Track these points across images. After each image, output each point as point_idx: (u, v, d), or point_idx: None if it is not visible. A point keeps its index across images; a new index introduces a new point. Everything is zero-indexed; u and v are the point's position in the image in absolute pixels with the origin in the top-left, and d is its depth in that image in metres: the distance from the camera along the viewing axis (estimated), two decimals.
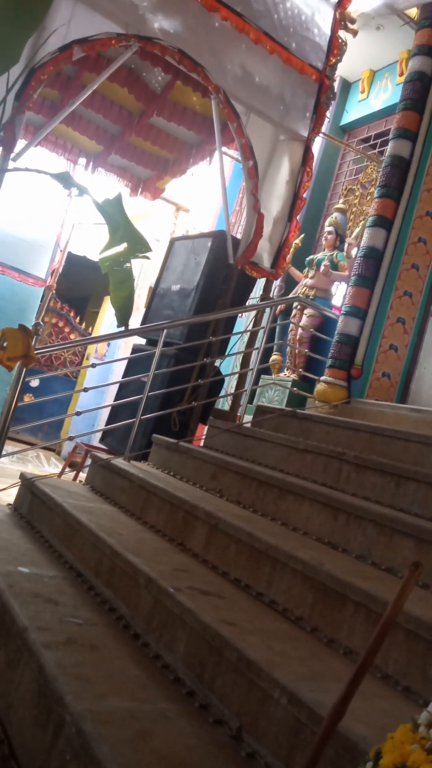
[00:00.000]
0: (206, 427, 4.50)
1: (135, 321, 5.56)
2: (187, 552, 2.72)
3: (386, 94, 6.83)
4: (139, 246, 4.77)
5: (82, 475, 4.19)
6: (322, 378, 4.75)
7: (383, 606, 1.85)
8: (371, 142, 7.04)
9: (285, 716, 1.55)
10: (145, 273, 8.48)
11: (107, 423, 4.67)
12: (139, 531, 2.94)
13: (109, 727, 1.51)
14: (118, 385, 4.87)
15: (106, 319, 9.63)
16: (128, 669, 1.90)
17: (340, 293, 6.10)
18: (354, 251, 5.89)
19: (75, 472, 5.59)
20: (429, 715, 0.94)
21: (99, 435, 5.04)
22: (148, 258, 4.59)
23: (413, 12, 6.01)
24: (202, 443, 4.35)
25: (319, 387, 4.74)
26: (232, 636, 1.81)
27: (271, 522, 2.90)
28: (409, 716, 1.14)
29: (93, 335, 9.49)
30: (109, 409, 4.85)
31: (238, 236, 5.04)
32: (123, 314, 4.95)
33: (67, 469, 5.89)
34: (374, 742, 1.11)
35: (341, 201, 6.72)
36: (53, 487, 3.38)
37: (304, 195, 5.09)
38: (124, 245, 4.42)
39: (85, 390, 4.02)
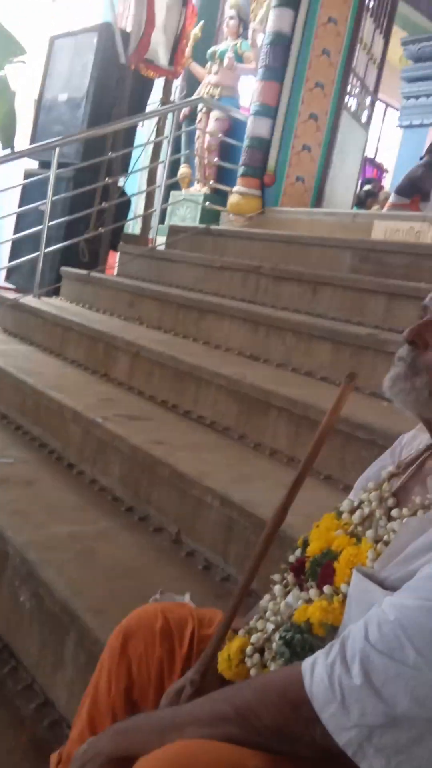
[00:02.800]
0: (118, 254, 4.28)
1: (23, 142, 4.95)
2: (111, 382, 2.71)
3: None
4: (11, 48, 4.09)
5: None
6: (235, 189, 4.50)
7: (304, 408, 1.93)
8: None
9: (218, 517, 1.65)
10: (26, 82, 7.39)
11: (9, 260, 4.34)
12: (60, 367, 2.88)
13: (52, 552, 1.57)
14: (15, 218, 4.44)
15: None
16: (66, 497, 1.95)
17: (247, 90, 5.57)
18: (260, 38, 5.27)
19: None
20: (350, 502, 0.98)
21: (4, 273, 4.71)
22: (23, 62, 3.96)
23: None
24: (115, 272, 4.16)
25: (232, 199, 4.51)
26: (163, 453, 1.86)
27: (193, 343, 2.90)
28: (332, 502, 1.22)
29: None
30: (10, 245, 4.48)
31: (128, 29, 4.37)
32: (6, 133, 4.39)
33: None
34: (301, 530, 1.19)
35: None
36: None
37: None
38: None
39: None
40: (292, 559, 0.96)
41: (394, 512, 0.87)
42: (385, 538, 0.84)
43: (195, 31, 5.41)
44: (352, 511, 0.95)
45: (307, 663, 0.71)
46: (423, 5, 6.66)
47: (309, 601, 0.85)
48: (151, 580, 1.48)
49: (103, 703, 0.99)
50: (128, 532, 1.76)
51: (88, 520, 1.81)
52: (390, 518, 0.88)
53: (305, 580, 0.90)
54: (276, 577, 0.96)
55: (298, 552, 0.96)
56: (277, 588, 0.94)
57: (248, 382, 2.15)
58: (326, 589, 0.84)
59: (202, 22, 5.72)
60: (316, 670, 0.69)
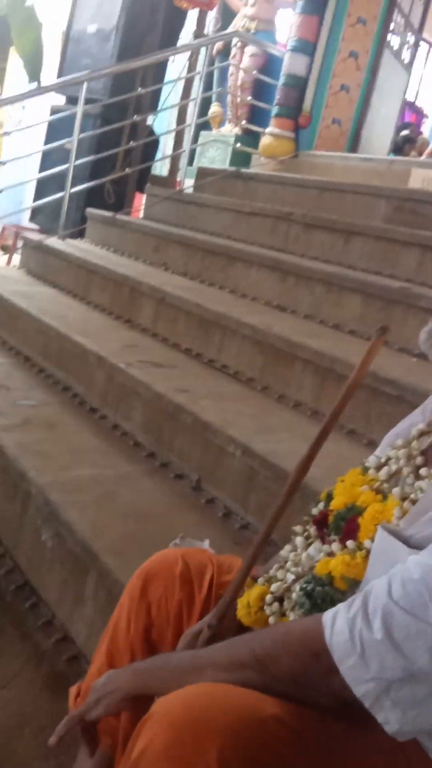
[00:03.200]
0: (144, 196, 4.18)
1: (50, 76, 4.79)
2: (135, 328, 2.68)
3: None
4: None
5: (17, 259, 3.95)
6: (268, 130, 4.32)
7: (330, 361, 1.89)
8: None
9: (240, 466, 1.65)
10: (54, 13, 7.09)
11: (34, 200, 4.27)
12: (84, 311, 2.86)
13: (74, 494, 1.59)
14: (41, 156, 4.34)
15: (16, 77, 8.29)
16: (88, 441, 1.96)
17: (285, 24, 5.27)
18: None
19: (8, 256, 5.28)
20: (376, 459, 0.96)
21: (28, 214, 4.65)
22: None
23: None
24: (141, 214, 4.08)
25: (265, 141, 4.34)
26: (186, 401, 1.85)
27: (219, 291, 2.85)
28: (355, 456, 1.20)
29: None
30: (35, 184, 4.39)
31: None
32: (33, 66, 4.25)
33: (0, 253, 5.56)
34: (323, 482, 1.18)
35: None
36: None
37: None
38: None
39: (2, 164, 3.56)
40: (315, 511, 0.95)
41: (422, 471, 0.86)
42: (412, 496, 0.82)
43: None
44: (378, 468, 0.93)
45: (328, 615, 0.71)
46: None
47: (331, 554, 0.84)
48: (171, 525, 1.49)
49: (122, 641, 1.01)
50: (149, 477, 1.77)
51: (110, 464, 1.82)
52: (418, 477, 0.86)
53: (328, 533, 0.89)
54: (298, 528, 0.96)
55: (321, 505, 0.95)
56: (298, 539, 0.94)
57: (274, 332, 2.11)
58: (349, 543, 0.83)
59: None
60: (337, 623, 0.69)
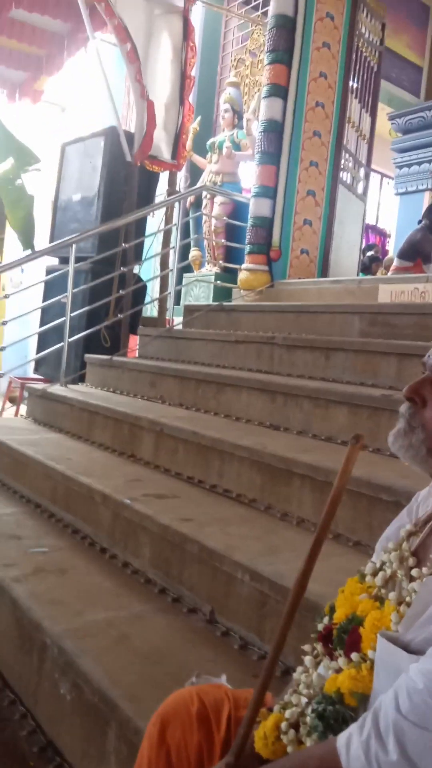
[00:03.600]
0: (138, 337, 4.44)
1: (43, 241, 5.26)
2: (138, 462, 2.77)
3: None
4: (26, 158, 4.43)
5: (24, 409, 4.11)
6: (243, 266, 4.69)
7: (326, 474, 1.95)
8: (253, 4, 6.55)
9: (250, 592, 1.65)
10: (43, 186, 7.91)
11: (37, 352, 4.54)
12: (88, 452, 2.95)
13: (88, 640, 1.58)
14: (40, 312, 4.67)
15: (13, 243, 9.06)
16: (100, 583, 1.97)
17: (247, 174, 5.90)
18: (254, 126, 5.64)
19: (16, 408, 5.49)
20: (373, 564, 0.99)
21: (33, 366, 4.91)
22: (39, 170, 4.27)
23: None
24: (136, 354, 4.31)
25: (242, 275, 4.69)
26: (190, 530, 1.89)
27: (214, 417, 2.96)
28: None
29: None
30: (37, 338, 4.69)
31: (132, 130, 4.72)
32: (26, 236, 4.68)
33: (8, 405, 5.78)
34: (331, 598, 1.20)
35: (232, 74, 6.33)
36: None
37: (192, 73, 4.77)
38: (10, 161, 4.10)
39: (3, 324, 3.84)
40: (320, 627, 0.97)
41: (413, 572, 0.89)
42: (408, 599, 0.85)
43: (193, 126, 5.81)
44: (374, 574, 0.96)
45: (342, 740, 0.71)
46: (405, 82, 7.08)
47: (339, 670, 0.86)
48: (187, 663, 1.47)
49: None
50: (162, 614, 1.77)
51: (122, 605, 1.82)
52: (411, 578, 0.90)
53: (334, 648, 0.91)
54: (307, 647, 0.97)
55: (326, 620, 0.97)
56: (307, 659, 0.95)
57: (269, 451, 2.19)
58: (354, 656, 0.85)
59: (199, 117, 6.16)
60: (352, 748, 0.69)
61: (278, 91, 4.65)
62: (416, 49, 7.36)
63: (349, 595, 0.96)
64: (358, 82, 5.06)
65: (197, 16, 6.09)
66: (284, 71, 4.64)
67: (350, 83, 4.89)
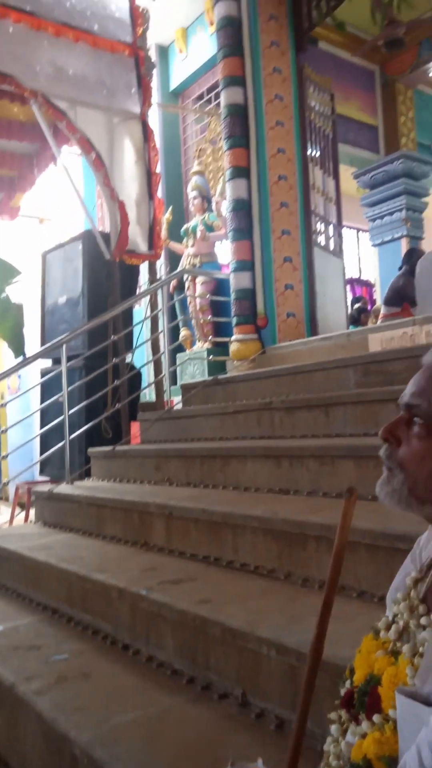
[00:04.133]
0: (139, 423, 4.46)
1: (35, 345, 5.40)
2: (151, 550, 2.71)
3: (204, 47, 6.80)
4: (8, 273, 4.62)
5: (33, 513, 4.08)
6: (233, 338, 4.79)
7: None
8: (206, 98, 7.02)
9: (279, 667, 1.58)
10: (29, 293, 8.22)
11: (40, 454, 4.55)
12: (100, 547, 2.90)
13: (118, 745, 1.50)
14: (40, 414, 4.73)
15: (7, 351, 9.30)
16: (125, 682, 1.88)
17: (223, 251, 6.12)
18: (223, 206, 5.91)
19: (25, 513, 5.45)
20: (387, 619, 0.96)
21: (38, 469, 4.91)
22: (20, 281, 4.43)
23: None
24: (139, 440, 4.31)
25: (233, 347, 4.78)
26: (210, 612, 1.83)
27: (222, 491, 2.93)
28: None
29: None
30: (39, 440, 4.71)
31: (107, 231, 4.95)
32: (16, 345, 4.81)
33: (18, 511, 5.73)
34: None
35: (196, 164, 6.70)
36: (4, 536, 3.28)
37: (157, 170, 5.04)
38: None
39: (4, 431, 3.88)
40: (342, 692, 0.92)
41: (423, 620, 0.86)
42: (421, 649, 0.82)
43: (166, 216, 6.10)
44: (387, 628, 0.93)
45: None
46: (363, 142, 7.47)
47: (364, 735, 0.81)
48: (223, 752, 1.38)
49: None
50: (192, 705, 1.68)
51: (150, 701, 1.73)
52: (423, 627, 0.86)
53: (357, 712, 0.86)
54: (333, 715, 0.92)
55: (347, 683, 0.93)
56: (334, 728, 0.90)
57: (281, 517, 2.15)
58: (375, 718, 0.80)
59: (171, 207, 6.47)
60: None
61: (241, 172, 4.91)
62: (368, 110, 7.79)
63: (365, 653, 0.93)
64: (316, 151, 5.35)
65: (155, 117, 6.51)
66: (243, 153, 4.92)
67: (309, 153, 5.17)
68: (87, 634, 2.30)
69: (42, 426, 4.63)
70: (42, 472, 4.86)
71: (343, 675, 1.30)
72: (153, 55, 5.88)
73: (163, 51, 7.31)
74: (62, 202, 8.51)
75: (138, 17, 4.90)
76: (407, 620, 0.89)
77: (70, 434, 3.93)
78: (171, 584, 2.16)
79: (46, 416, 4.71)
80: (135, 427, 4.65)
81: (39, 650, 2.19)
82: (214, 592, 2.03)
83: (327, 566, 2.02)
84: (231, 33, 5.05)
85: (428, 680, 0.76)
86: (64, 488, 3.64)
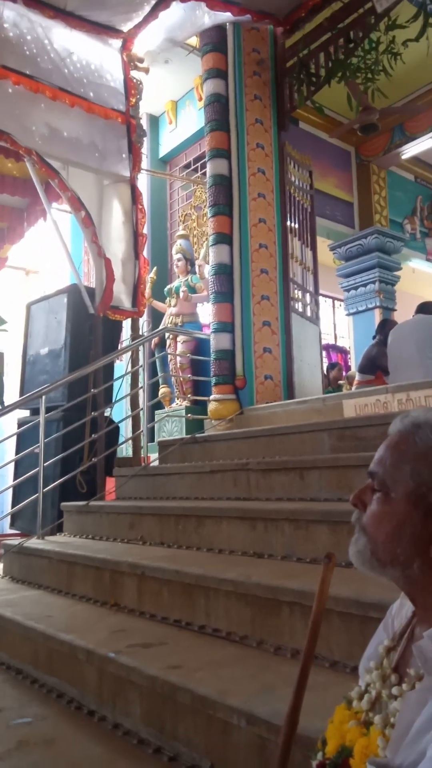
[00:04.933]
0: (115, 479, 4.43)
1: (14, 394, 5.39)
2: (121, 610, 2.66)
3: (192, 119, 7.17)
4: None
5: (1, 567, 3.98)
6: (212, 397, 4.85)
7: (313, 598, 1.91)
8: (192, 167, 7.34)
9: (248, 738, 1.55)
10: (11, 343, 8.26)
11: (12, 506, 4.47)
12: (69, 606, 2.83)
13: None
14: (14, 466, 4.67)
15: None
16: (89, 750, 1.82)
17: (205, 312, 6.27)
18: (206, 270, 6.09)
19: None
20: (359, 688, 0.97)
21: (8, 522, 4.81)
22: (5, 330, 4.47)
23: (194, 41, 6.37)
24: (114, 496, 4.28)
25: (211, 406, 4.83)
26: (180, 679, 1.80)
27: (195, 552, 2.91)
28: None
29: None
30: (11, 492, 4.64)
31: (93, 286, 5.06)
32: None
33: None
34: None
35: (181, 227, 6.94)
36: None
37: (144, 231, 5.21)
38: None
39: None
40: (314, 764, 0.93)
41: (394, 690, 0.88)
42: (392, 720, 0.84)
43: (151, 276, 6.25)
44: (360, 697, 0.94)
45: None
46: (339, 217, 7.87)
47: None
48: None
49: None
50: None
51: None
52: (394, 697, 0.88)
53: None
54: None
55: (319, 755, 0.93)
56: None
57: (254, 581, 2.15)
58: None
59: (156, 267, 6.65)
60: None
61: (223, 238, 5.10)
62: (344, 188, 8.24)
63: (338, 724, 0.94)
64: (295, 223, 5.59)
65: (143, 181, 6.78)
66: (227, 221, 5.12)
67: (288, 224, 5.40)
68: (51, 698, 2.22)
69: (15, 477, 4.56)
70: (13, 525, 4.76)
71: (315, 747, 1.29)
72: (144, 123, 6.17)
73: (154, 120, 7.67)
74: (49, 256, 8.67)
75: (132, 88, 5.18)
76: (379, 690, 0.91)
77: (44, 487, 3.88)
78: (141, 648, 2.12)
79: (20, 467, 4.65)
80: (110, 483, 4.61)
81: (1, 712, 2.11)
82: (184, 657, 2.00)
83: (300, 634, 2.03)
84: (218, 109, 5.34)
85: (399, 751, 0.77)
86: (34, 543, 3.57)
